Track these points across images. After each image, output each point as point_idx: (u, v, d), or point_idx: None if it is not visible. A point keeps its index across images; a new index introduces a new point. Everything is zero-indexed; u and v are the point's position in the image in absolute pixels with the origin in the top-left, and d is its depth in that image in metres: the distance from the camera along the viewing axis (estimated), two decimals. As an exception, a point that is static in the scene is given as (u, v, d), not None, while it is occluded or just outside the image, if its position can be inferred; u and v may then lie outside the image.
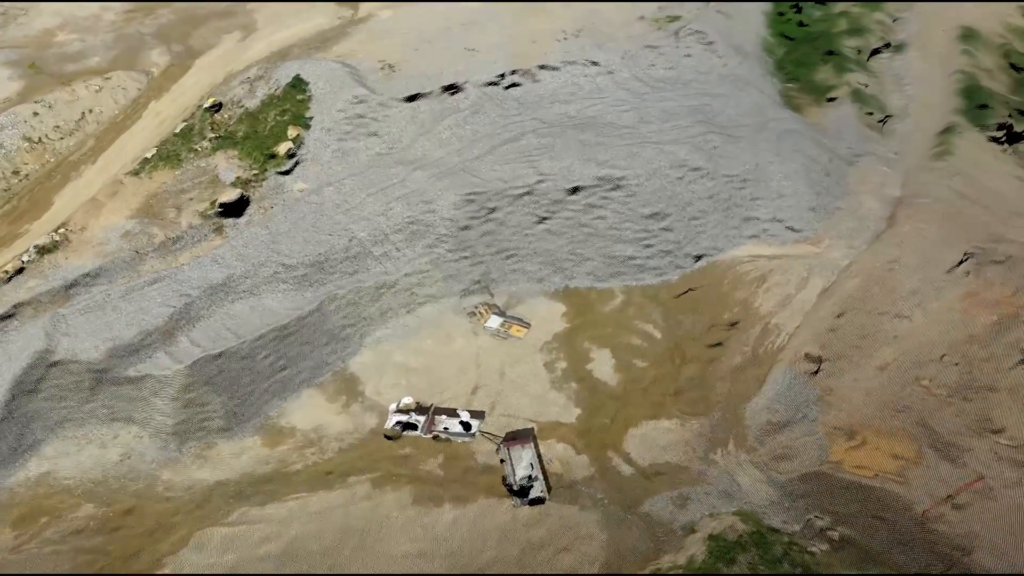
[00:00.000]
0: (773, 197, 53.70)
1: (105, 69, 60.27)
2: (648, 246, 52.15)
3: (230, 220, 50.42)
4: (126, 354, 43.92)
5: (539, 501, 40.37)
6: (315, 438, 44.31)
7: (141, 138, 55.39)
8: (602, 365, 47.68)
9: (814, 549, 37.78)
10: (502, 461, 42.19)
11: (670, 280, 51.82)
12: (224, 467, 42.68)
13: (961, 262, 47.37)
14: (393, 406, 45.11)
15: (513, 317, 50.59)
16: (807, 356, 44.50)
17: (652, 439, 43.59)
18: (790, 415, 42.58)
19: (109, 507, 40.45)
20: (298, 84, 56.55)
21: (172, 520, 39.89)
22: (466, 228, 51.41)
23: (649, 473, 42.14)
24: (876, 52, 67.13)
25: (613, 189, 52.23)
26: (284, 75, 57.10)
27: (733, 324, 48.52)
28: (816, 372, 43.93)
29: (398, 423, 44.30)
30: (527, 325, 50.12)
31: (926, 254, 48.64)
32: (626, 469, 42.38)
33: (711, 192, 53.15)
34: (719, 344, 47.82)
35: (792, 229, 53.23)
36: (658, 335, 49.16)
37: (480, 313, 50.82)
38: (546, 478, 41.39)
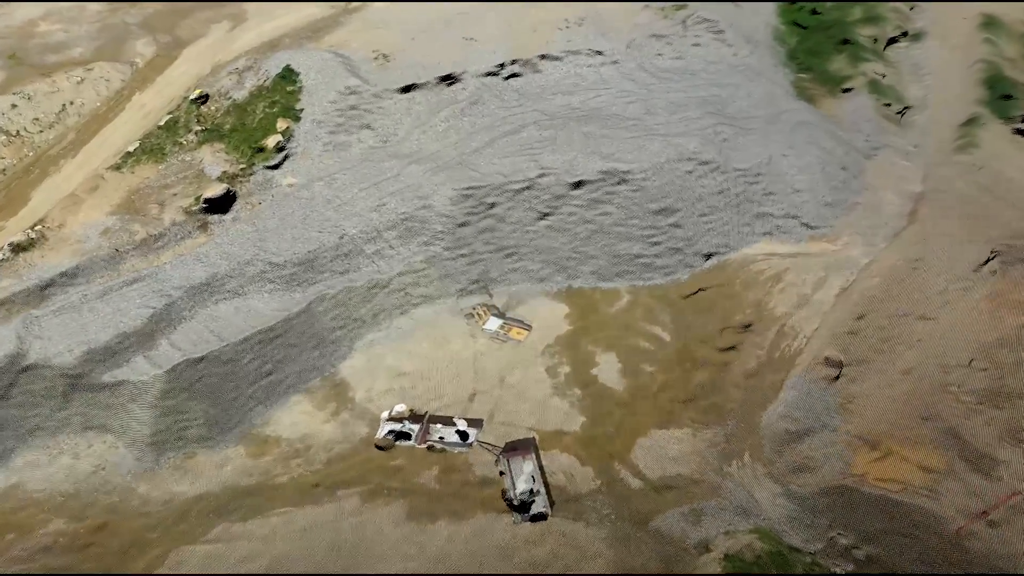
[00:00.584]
0: (787, 192, 52.51)
1: (88, 60, 59.12)
2: (656, 244, 50.70)
3: (215, 216, 49.03)
4: (102, 358, 42.48)
5: (541, 517, 39.40)
6: (302, 448, 43.19)
7: (124, 131, 54.06)
8: (608, 370, 46.37)
9: (838, 569, 36.44)
10: (501, 473, 41.15)
11: (679, 279, 50.57)
12: (204, 479, 41.50)
13: (987, 260, 46.19)
14: (385, 414, 44.01)
15: (513, 319, 49.34)
16: (827, 360, 43.33)
17: (662, 450, 42.37)
18: (809, 424, 41.32)
19: (81, 522, 39.26)
20: (288, 75, 55.23)
21: (148, 537, 38.76)
22: (464, 225, 50.01)
23: (659, 486, 40.85)
24: (893, 41, 66.07)
25: (618, 183, 50.88)
26: (274, 66, 55.87)
27: (747, 326, 47.30)
28: (836, 378, 42.80)
29: (390, 432, 43.18)
30: (528, 327, 48.88)
31: (950, 252, 47.65)
32: (634, 482, 41.11)
33: (722, 187, 51.79)
34: (732, 348, 46.60)
35: (808, 226, 51.88)
36: (667, 338, 47.89)
37: (478, 314, 49.50)
38: (548, 492, 40.31)
